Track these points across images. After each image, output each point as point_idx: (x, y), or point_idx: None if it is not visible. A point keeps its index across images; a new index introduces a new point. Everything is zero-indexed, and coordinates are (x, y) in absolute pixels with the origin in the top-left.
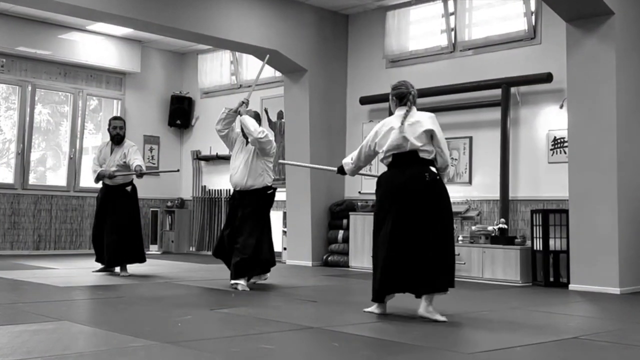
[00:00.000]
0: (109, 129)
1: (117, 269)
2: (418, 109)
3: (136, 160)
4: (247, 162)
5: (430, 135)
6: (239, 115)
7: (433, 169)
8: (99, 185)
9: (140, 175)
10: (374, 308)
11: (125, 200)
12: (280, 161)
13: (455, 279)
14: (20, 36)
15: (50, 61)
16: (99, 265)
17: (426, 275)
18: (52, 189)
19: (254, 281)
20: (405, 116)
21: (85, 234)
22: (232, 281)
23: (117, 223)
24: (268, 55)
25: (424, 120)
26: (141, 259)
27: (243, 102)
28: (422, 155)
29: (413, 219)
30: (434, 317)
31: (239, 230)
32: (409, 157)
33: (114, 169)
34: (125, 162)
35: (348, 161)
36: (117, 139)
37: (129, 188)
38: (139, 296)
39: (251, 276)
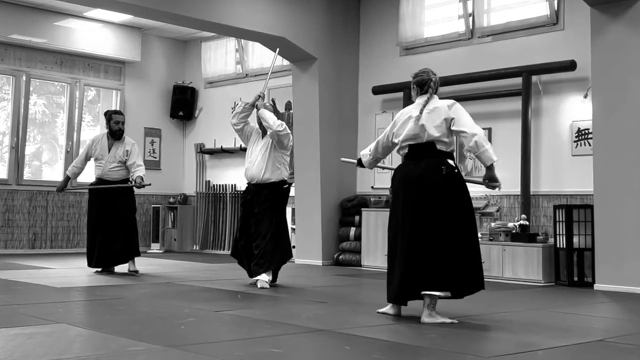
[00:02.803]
0: (109, 123)
1: (117, 268)
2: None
3: (139, 169)
4: (265, 155)
5: (449, 124)
6: (255, 109)
7: (451, 162)
8: (92, 178)
9: (141, 186)
10: (387, 309)
11: (126, 195)
12: (344, 159)
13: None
14: (14, 23)
15: (46, 50)
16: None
17: (437, 273)
18: (48, 185)
19: (260, 285)
20: (424, 104)
21: (82, 231)
22: (253, 278)
23: (121, 220)
24: (278, 49)
25: (442, 107)
26: (137, 253)
27: (259, 96)
28: (439, 147)
29: (429, 215)
30: (440, 321)
31: (256, 229)
32: (425, 148)
33: (114, 165)
34: (127, 160)
35: (366, 152)
36: (118, 134)
37: (130, 183)
38: (140, 297)
39: (271, 270)
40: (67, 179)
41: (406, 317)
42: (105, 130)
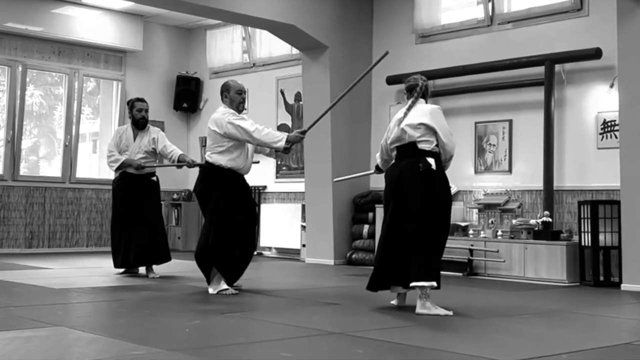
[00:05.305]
0: (132, 112)
1: (142, 270)
2: (452, 91)
3: (174, 148)
4: (252, 150)
5: (429, 126)
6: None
7: (430, 160)
8: (111, 174)
9: (193, 165)
10: (393, 300)
11: (153, 191)
12: (336, 180)
13: (491, 277)
14: (9, 11)
15: (43, 38)
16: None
17: (413, 266)
18: (45, 181)
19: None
20: (409, 108)
21: (82, 229)
22: (236, 283)
23: (148, 218)
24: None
25: (422, 112)
26: (168, 257)
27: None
28: (421, 146)
29: (404, 211)
30: (434, 312)
31: (251, 228)
32: (408, 149)
33: (140, 156)
34: (154, 148)
35: (377, 157)
36: (142, 123)
37: (155, 178)
38: (142, 299)
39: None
40: (127, 161)
41: (420, 318)
42: (129, 122)
